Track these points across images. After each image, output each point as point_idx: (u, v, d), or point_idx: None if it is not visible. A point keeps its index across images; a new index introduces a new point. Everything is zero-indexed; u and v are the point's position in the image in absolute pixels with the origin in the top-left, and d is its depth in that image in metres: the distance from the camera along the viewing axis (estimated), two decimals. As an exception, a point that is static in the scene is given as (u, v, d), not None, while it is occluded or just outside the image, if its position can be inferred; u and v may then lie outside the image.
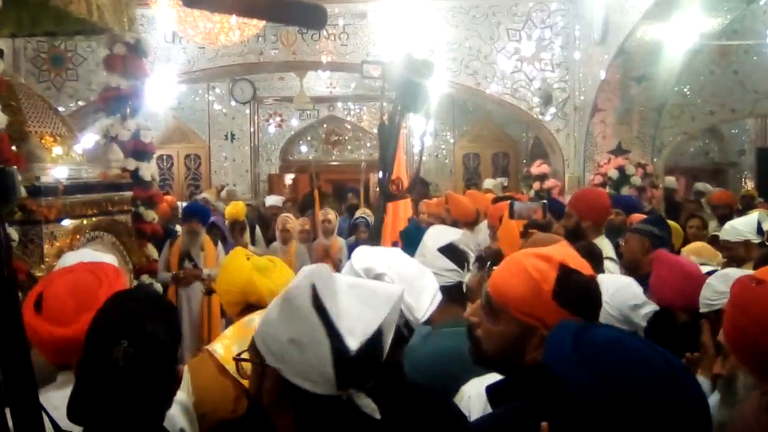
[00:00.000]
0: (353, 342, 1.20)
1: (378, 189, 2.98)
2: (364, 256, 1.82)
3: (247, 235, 8.21)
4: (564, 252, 1.57)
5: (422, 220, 7.58)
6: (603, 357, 1.10)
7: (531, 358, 1.51)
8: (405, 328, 1.74)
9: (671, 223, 5.57)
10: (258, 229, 8.91)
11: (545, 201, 3.57)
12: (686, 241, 5.77)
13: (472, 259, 2.61)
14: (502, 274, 1.57)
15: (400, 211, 7.03)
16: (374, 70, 2.85)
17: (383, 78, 2.86)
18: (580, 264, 1.54)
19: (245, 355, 1.36)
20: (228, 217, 8.18)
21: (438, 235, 2.57)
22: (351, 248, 7.62)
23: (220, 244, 7.23)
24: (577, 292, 1.49)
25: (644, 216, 5.18)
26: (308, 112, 13.83)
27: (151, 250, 5.97)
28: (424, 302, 1.74)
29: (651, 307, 2.74)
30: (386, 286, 1.36)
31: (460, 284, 2.45)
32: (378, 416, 1.22)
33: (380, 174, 2.89)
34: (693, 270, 3.19)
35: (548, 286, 1.48)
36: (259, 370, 1.30)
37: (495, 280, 1.58)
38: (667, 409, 1.04)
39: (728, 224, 4.49)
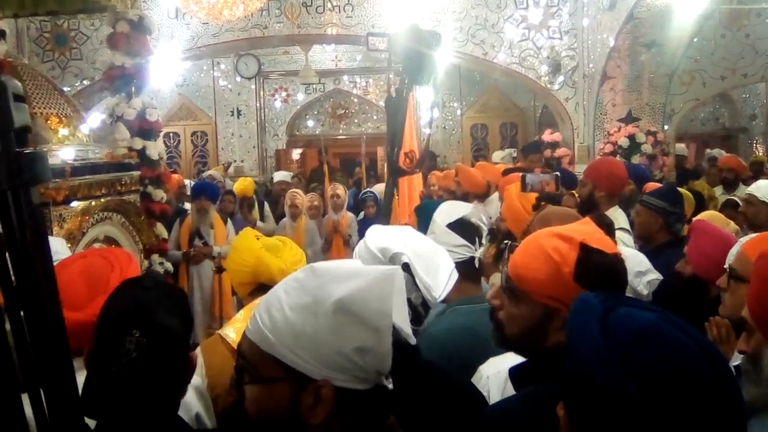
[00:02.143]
0: (410, 332, 1.18)
1: (386, 164, 2.93)
2: (379, 235, 1.79)
3: (255, 212, 8.20)
4: (585, 230, 1.51)
5: (433, 193, 7.55)
6: (636, 347, 1.02)
7: (554, 340, 1.48)
8: (422, 308, 1.72)
9: (682, 190, 5.51)
10: (266, 206, 8.90)
11: (558, 173, 3.51)
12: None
13: (484, 233, 2.54)
14: (521, 256, 1.53)
15: (414, 185, 6.99)
16: (380, 43, 2.79)
17: (389, 50, 2.80)
18: (602, 242, 1.49)
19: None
20: (237, 193, 8.16)
21: (447, 211, 2.51)
22: (360, 223, 7.61)
23: (229, 221, 7.22)
24: (599, 273, 1.44)
25: (657, 185, 5.10)
26: (314, 86, 13.73)
27: (161, 229, 5.99)
28: (441, 280, 1.72)
29: (654, 275, 2.74)
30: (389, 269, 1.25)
31: (472, 260, 2.39)
32: (391, 386, 1.18)
33: (388, 149, 2.84)
34: (731, 240, 3.13)
35: (569, 267, 1.43)
36: (292, 387, 1.16)
37: (515, 262, 1.53)
38: (704, 406, 0.98)
39: (763, 181, 4.49)
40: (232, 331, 2.16)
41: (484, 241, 2.50)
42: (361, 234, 7.45)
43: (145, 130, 5.80)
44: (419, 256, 1.71)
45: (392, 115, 2.69)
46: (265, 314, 1.18)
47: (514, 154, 11.33)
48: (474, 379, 1.93)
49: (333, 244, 7.59)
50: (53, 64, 9.16)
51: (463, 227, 2.43)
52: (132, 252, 5.37)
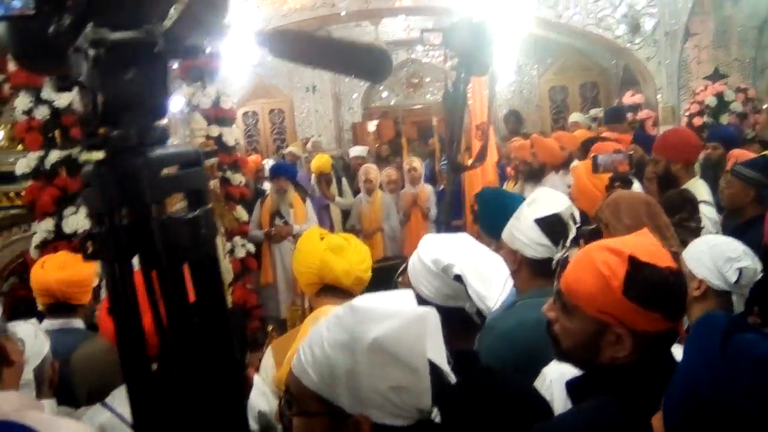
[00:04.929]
0: (450, 371, 1.19)
1: (446, 160, 2.87)
2: (431, 246, 1.77)
3: (333, 188, 8.28)
4: (638, 242, 1.47)
5: (511, 162, 7.39)
6: (758, 376, 1.00)
7: (608, 356, 1.45)
8: (477, 317, 1.71)
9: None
10: (344, 181, 8.96)
11: (631, 153, 3.38)
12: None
13: (571, 235, 2.39)
14: (573, 269, 1.51)
15: (488, 157, 6.87)
16: (434, 38, 2.75)
17: (444, 44, 2.75)
18: (655, 255, 1.44)
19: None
20: (314, 170, 8.25)
21: (540, 204, 2.39)
22: (438, 195, 7.56)
23: (308, 199, 7.33)
24: (650, 288, 1.39)
25: (744, 152, 4.82)
26: (387, 56, 13.57)
27: (241, 212, 6.14)
28: (495, 291, 1.69)
29: (746, 263, 2.53)
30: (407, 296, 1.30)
31: (549, 260, 2.31)
32: (438, 419, 1.20)
33: (447, 145, 2.79)
34: None
35: (618, 282, 1.40)
36: (332, 422, 1.20)
37: (566, 276, 1.52)
38: None
39: None
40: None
41: (568, 243, 2.38)
42: (440, 205, 7.34)
43: (220, 117, 5.92)
44: (472, 266, 1.69)
45: (450, 110, 2.65)
46: (308, 349, 1.23)
47: (600, 114, 10.83)
48: (537, 382, 1.91)
49: (412, 217, 7.61)
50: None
51: (551, 225, 2.33)
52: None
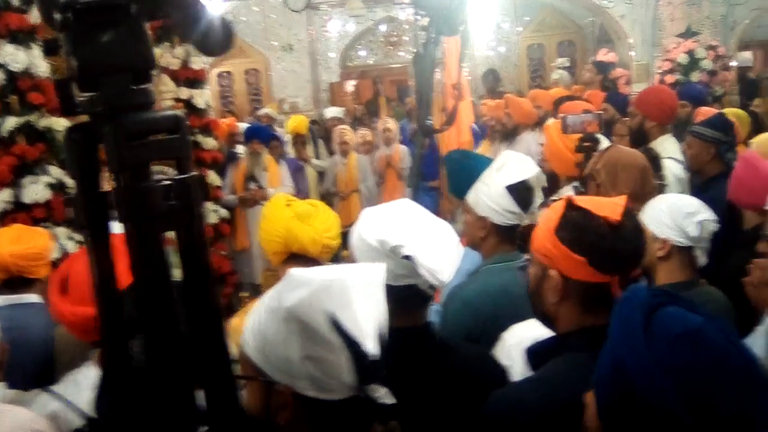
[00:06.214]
0: (371, 345, 1.15)
1: (416, 124, 2.84)
2: (374, 225, 1.66)
3: (310, 149, 8.21)
4: (601, 200, 1.50)
5: (486, 122, 7.38)
6: (678, 351, 0.99)
7: (549, 302, 1.50)
8: (430, 289, 1.67)
9: (735, 111, 5.30)
10: (321, 142, 8.89)
11: (600, 112, 3.38)
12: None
13: (538, 201, 2.42)
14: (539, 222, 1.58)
15: (463, 116, 6.83)
16: (404, -3, 2.70)
17: (414, 3, 2.69)
18: (601, 207, 1.45)
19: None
20: (290, 131, 8.15)
21: (511, 170, 2.35)
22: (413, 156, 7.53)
23: (282, 161, 7.23)
24: (577, 229, 1.43)
25: (711, 110, 4.88)
26: (364, 14, 13.38)
27: (213, 177, 6.06)
28: (446, 263, 1.63)
29: (705, 215, 2.55)
30: (372, 270, 1.25)
31: (516, 226, 2.30)
32: (390, 401, 1.16)
33: (418, 107, 2.75)
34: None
35: (553, 223, 1.46)
36: (264, 388, 1.22)
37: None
38: (734, 418, 0.96)
39: None
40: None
41: (534, 209, 2.39)
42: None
43: (190, 79, 5.80)
44: (421, 242, 1.61)
45: (420, 73, 2.61)
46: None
47: (567, 63, 10.75)
48: (497, 347, 1.92)
49: (387, 178, 7.60)
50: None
51: (521, 192, 2.33)
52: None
